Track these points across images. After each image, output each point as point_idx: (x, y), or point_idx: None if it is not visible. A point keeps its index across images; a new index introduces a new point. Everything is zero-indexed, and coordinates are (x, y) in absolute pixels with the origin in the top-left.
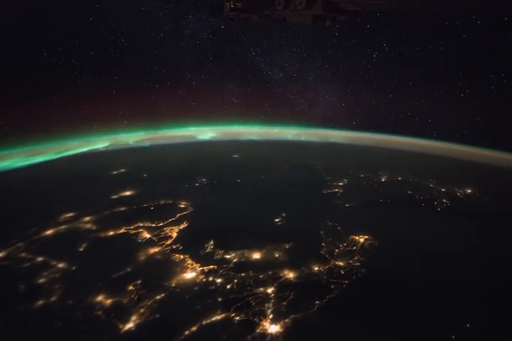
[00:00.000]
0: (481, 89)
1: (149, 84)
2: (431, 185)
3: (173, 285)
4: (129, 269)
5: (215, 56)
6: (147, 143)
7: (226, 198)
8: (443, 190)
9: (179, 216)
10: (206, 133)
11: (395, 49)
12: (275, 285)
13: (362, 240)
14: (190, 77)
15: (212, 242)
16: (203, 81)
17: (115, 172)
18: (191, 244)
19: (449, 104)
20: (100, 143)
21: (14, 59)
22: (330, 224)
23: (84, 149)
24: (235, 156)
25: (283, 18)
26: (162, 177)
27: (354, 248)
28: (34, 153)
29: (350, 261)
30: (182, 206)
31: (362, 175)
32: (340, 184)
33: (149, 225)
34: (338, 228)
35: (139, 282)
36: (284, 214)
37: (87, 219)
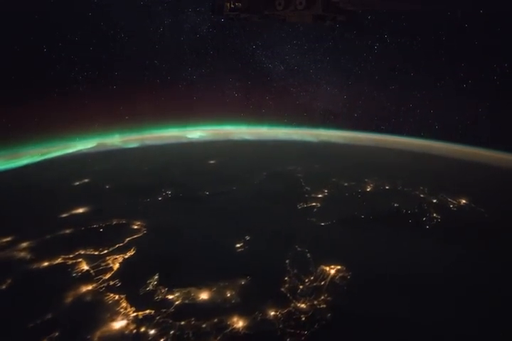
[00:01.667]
0: (484, 80)
1: (147, 81)
2: (421, 195)
3: (96, 339)
4: (49, 315)
5: (215, 50)
6: (135, 145)
7: (187, 217)
8: (434, 200)
9: (128, 241)
10: (198, 133)
11: (397, 40)
12: (218, 338)
13: (333, 272)
14: (190, 71)
15: (156, 277)
16: (202, 76)
17: (77, 183)
18: (132, 280)
19: (451, 97)
20: (89, 143)
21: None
22: (299, 249)
23: (70, 150)
24: (212, 162)
25: (283, 18)
26: (125, 188)
27: (322, 283)
28: (18, 155)
29: (315, 302)
30: (135, 227)
31: (345, 184)
32: (320, 196)
33: (91, 253)
34: (308, 255)
35: (56, 335)
36: (247, 238)
37: (24, 245)
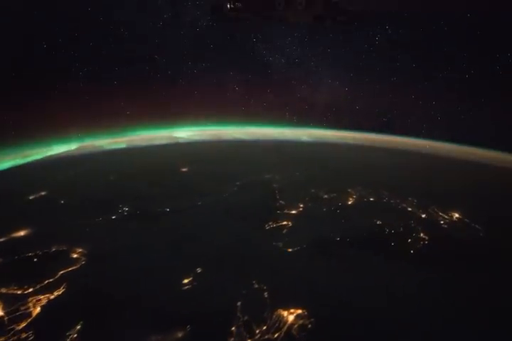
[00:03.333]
0: (487, 70)
1: (139, 79)
2: (409, 209)
3: None
4: None
5: (215, 44)
6: (119, 147)
7: (136, 242)
8: (423, 215)
9: (61, 274)
10: (189, 133)
11: (398, 31)
12: None
13: (291, 318)
14: (189, 66)
15: (79, 326)
16: (202, 72)
17: (32, 197)
18: (48, 331)
19: (452, 93)
20: (73, 145)
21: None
22: (256, 287)
23: (51, 153)
24: (184, 170)
25: (283, 18)
26: (81, 204)
27: (276, 335)
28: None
29: None
30: (74, 256)
31: (325, 196)
32: (293, 212)
33: (14, 292)
34: (265, 295)
35: None
36: (199, 270)
37: None
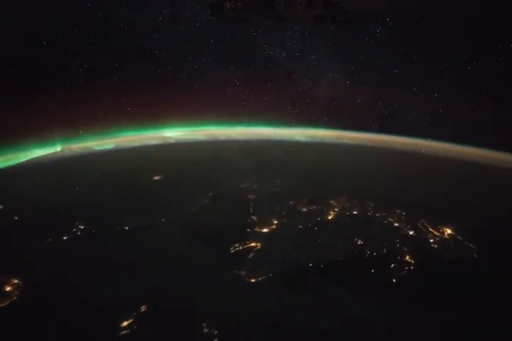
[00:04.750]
0: (489, 62)
1: (133, 76)
2: (396, 224)
3: None
4: None
5: (215, 39)
6: (104, 149)
7: (81, 270)
8: (411, 232)
9: None
10: (179, 133)
11: (399, 23)
12: None
13: None
14: (190, 61)
15: None
16: (202, 69)
17: None
18: None
19: (453, 88)
20: (58, 147)
21: None
22: (205, 331)
23: (34, 156)
24: (156, 178)
25: (283, 18)
26: (34, 221)
27: None
28: None
29: None
30: (7, 289)
31: (303, 209)
32: (265, 230)
33: None
34: None
35: None
36: (143, 309)
37: None
